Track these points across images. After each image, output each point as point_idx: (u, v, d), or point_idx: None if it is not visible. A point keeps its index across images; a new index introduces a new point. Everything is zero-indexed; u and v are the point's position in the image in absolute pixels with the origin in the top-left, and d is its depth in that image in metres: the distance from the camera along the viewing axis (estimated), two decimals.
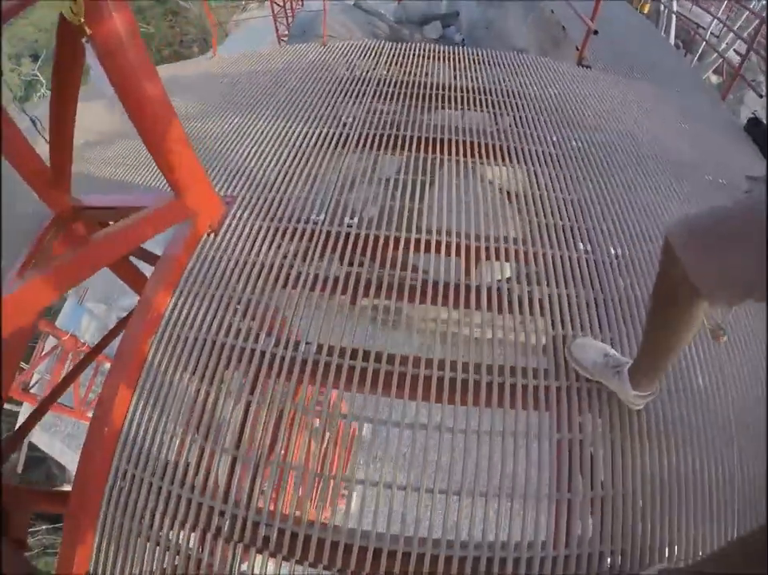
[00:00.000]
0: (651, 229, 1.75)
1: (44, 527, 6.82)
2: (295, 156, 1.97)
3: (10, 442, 2.09)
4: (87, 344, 5.47)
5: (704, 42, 6.52)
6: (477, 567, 1.14)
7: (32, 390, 5.41)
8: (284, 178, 1.84)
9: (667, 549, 1.19)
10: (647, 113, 2.71)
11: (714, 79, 7.75)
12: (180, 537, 1.23)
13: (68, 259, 1.39)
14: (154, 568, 1.24)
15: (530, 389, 1.31)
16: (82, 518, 1.30)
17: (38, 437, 6.07)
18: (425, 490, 1.20)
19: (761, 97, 4.54)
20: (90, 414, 5.48)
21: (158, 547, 1.25)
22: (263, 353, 1.39)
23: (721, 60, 5.51)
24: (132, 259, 2.24)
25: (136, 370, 1.45)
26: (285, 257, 1.57)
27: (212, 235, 1.65)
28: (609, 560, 1.18)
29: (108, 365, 5.29)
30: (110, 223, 1.71)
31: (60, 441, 5.99)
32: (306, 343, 1.39)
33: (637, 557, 1.18)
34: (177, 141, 1.46)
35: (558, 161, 2.03)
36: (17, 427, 2.30)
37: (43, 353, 5.59)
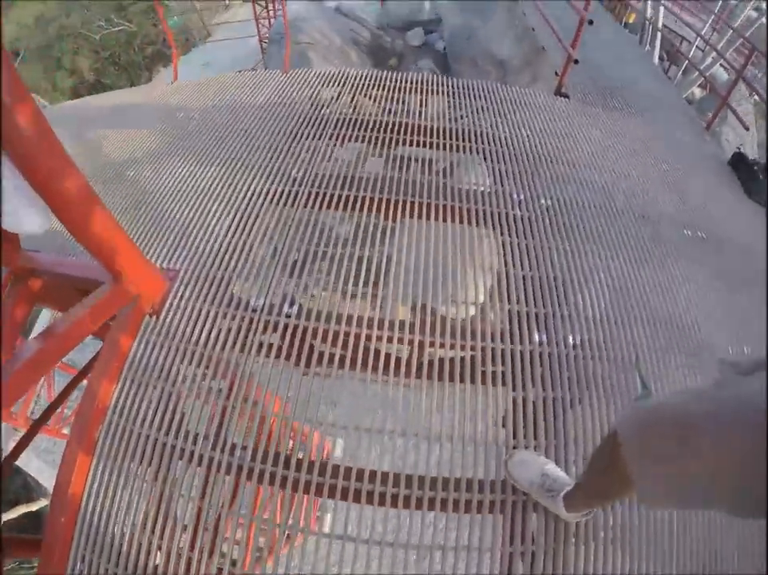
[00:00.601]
0: (617, 310, 1.70)
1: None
2: (240, 220, 1.92)
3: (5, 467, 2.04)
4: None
5: (687, 61, 6.44)
6: None
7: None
8: (226, 250, 1.78)
9: None
10: (626, 157, 2.63)
11: (698, 92, 7.67)
12: None
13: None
14: None
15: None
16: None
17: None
18: None
19: (746, 129, 4.47)
20: (65, 431, 5.44)
21: None
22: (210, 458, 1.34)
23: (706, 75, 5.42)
24: None
25: (87, 458, 1.44)
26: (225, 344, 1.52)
27: (154, 318, 1.59)
28: None
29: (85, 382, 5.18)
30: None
31: (36, 457, 5.92)
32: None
33: None
34: (107, 230, 1.41)
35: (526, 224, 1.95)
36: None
37: None
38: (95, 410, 1.47)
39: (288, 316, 1.56)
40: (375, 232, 1.79)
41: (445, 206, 1.92)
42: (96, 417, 1.47)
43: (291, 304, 1.56)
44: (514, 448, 1.34)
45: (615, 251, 1.91)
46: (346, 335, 1.51)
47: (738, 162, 2.94)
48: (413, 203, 1.93)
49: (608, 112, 3.18)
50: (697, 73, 6.43)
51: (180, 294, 1.66)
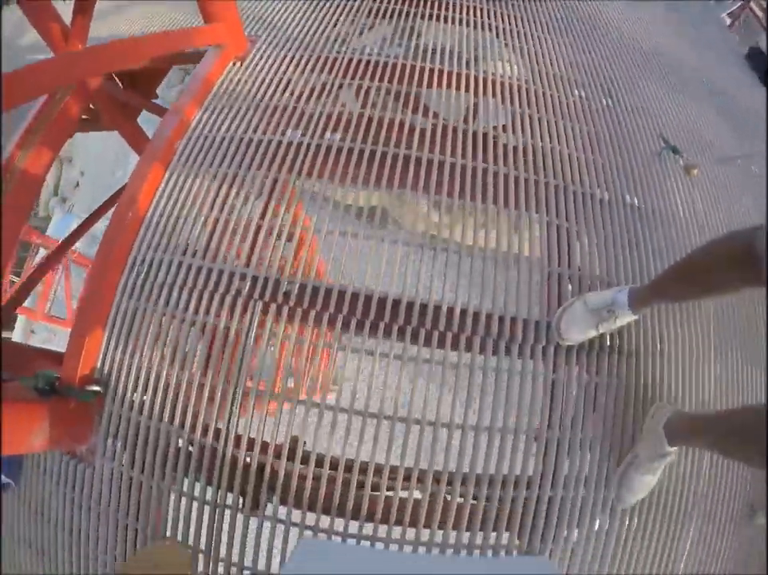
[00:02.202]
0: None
1: None
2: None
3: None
4: (78, 252, 5.38)
5: None
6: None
7: (24, 304, 5.32)
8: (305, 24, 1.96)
9: None
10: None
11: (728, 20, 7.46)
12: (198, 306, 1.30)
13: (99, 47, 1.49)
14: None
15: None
16: (95, 309, 1.36)
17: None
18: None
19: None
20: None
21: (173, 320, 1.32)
22: (289, 144, 1.51)
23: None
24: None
25: (163, 167, 1.55)
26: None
27: (239, 64, 1.78)
28: None
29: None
30: None
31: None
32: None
33: None
34: None
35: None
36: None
37: (33, 265, 5.50)
38: (177, 125, 1.58)
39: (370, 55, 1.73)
40: None
41: None
42: (178, 131, 1.58)
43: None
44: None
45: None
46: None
47: (755, 56, 3.18)
48: None
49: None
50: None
51: (262, 49, 1.81)
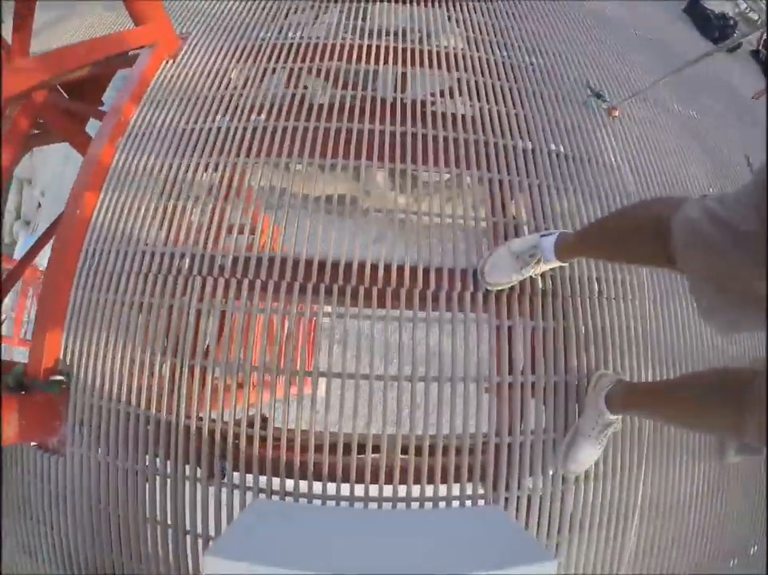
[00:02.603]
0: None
1: None
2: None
3: None
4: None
5: None
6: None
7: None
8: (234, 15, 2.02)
9: None
10: None
11: None
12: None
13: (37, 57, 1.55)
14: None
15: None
16: (53, 304, 1.42)
17: None
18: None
19: None
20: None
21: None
22: (218, 129, 1.57)
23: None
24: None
25: (107, 163, 1.60)
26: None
27: (171, 62, 1.83)
28: None
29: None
30: None
31: None
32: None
33: None
34: None
35: None
36: None
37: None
38: (115, 125, 1.64)
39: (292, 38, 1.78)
40: None
41: None
42: (116, 130, 1.63)
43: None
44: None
45: None
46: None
47: (692, 8, 3.29)
48: None
49: None
50: None
51: (193, 44, 1.87)
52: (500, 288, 1.31)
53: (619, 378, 1.24)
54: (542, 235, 1.25)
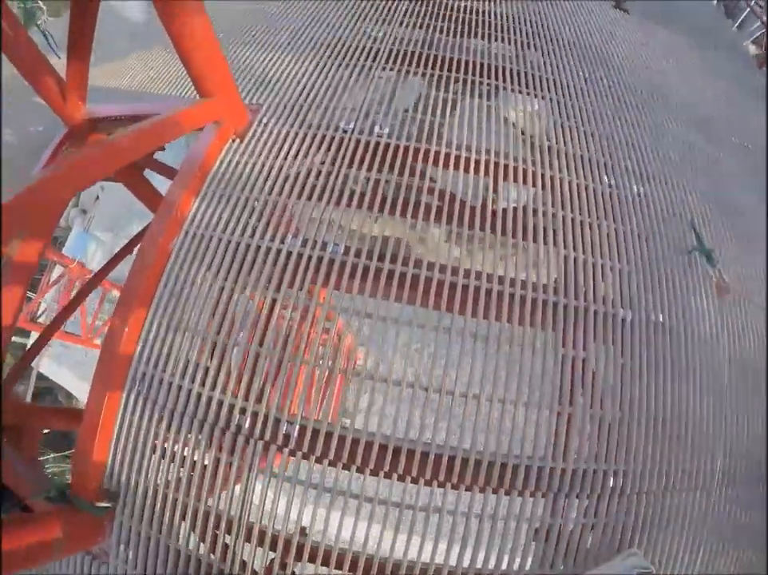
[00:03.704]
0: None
1: (52, 455, 7.07)
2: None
3: (16, 370, 2.11)
4: (93, 272, 5.48)
5: (748, 8, 6.14)
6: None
7: (40, 320, 5.46)
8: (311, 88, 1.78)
9: None
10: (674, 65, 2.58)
11: (753, 49, 7.33)
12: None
13: (89, 153, 1.39)
14: (169, 477, 1.29)
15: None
16: (96, 431, 1.33)
17: (47, 366, 6.20)
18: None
19: None
20: (98, 341, 5.55)
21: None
22: (288, 253, 1.40)
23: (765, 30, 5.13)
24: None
25: (159, 268, 1.46)
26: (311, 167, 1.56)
27: (237, 142, 1.64)
28: None
29: (115, 292, 5.31)
30: None
31: (68, 369, 6.12)
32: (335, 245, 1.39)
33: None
34: (206, 40, 1.42)
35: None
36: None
37: (50, 282, 5.60)
38: (170, 221, 1.48)
39: (380, 136, 1.57)
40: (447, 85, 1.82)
41: (512, 69, 1.92)
42: (172, 228, 1.48)
43: (382, 126, 1.57)
44: None
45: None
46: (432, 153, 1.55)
47: None
48: (482, 63, 1.92)
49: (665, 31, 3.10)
50: (755, 26, 6.17)
51: (263, 122, 1.67)
52: None
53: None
54: None
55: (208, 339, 1.35)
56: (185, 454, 1.31)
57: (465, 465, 1.22)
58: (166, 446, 1.32)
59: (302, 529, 1.27)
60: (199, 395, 1.31)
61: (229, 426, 1.27)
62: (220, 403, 1.30)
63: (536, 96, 1.87)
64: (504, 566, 1.20)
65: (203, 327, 1.37)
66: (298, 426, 1.25)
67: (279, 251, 1.39)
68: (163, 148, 2.12)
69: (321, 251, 1.38)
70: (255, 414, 1.27)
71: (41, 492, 1.33)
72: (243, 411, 1.28)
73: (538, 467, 1.23)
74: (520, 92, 1.87)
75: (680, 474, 1.35)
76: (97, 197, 6.03)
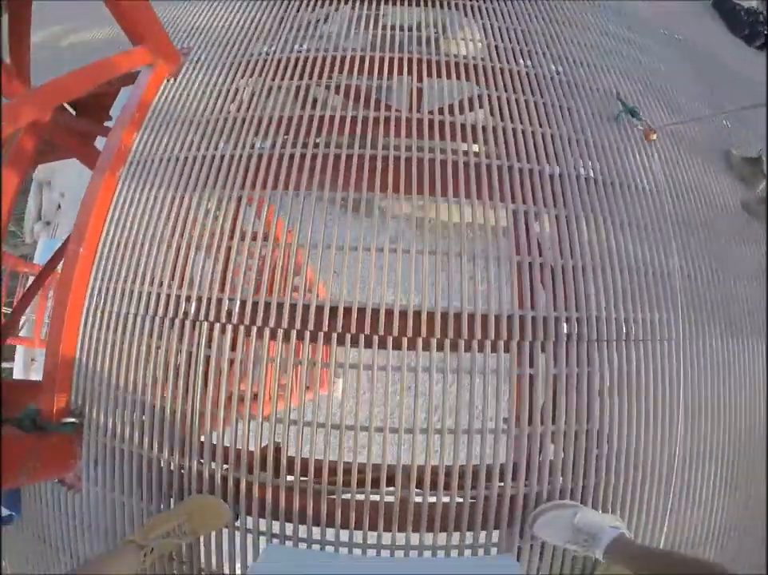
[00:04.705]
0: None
1: None
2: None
3: None
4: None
5: None
6: None
7: (21, 334, 5.44)
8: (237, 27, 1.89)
9: None
10: None
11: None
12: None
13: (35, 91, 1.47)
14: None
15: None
16: (61, 344, 1.39)
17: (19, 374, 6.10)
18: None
19: None
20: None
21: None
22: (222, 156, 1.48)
23: None
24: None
25: (106, 205, 1.53)
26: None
27: (172, 80, 1.73)
28: None
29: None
30: None
31: (37, 375, 5.94)
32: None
33: None
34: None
35: None
36: None
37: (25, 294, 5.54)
38: (117, 153, 1.56)
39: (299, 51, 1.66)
40: None
41: None
42: (118, 159, 1.56)
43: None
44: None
45: None
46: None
47: (721, 3, 3.04)
48: None
49: None
50: None
51: (195, 60, 1.76)
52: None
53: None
54: (611, 528, 1.14)
55: (155, 246, 1.41)
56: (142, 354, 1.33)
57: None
58: (123, 350, 1.35)
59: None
60: (150, 294, 1.36)
61: (177, 314, 1.31)
62: (168, 297, 1.34)
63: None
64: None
65: (152, 235, 1.43)
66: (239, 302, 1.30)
67: (213, 157, 1.47)
68: (110, 117, 2.23)
69: (250, 150, 1.45)
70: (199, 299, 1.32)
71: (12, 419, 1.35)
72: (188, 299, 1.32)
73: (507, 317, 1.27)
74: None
75: (638, 324, 1.36)
76: (59, 206, 6.11)
